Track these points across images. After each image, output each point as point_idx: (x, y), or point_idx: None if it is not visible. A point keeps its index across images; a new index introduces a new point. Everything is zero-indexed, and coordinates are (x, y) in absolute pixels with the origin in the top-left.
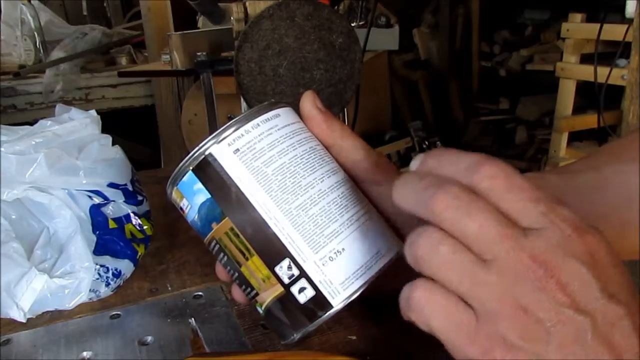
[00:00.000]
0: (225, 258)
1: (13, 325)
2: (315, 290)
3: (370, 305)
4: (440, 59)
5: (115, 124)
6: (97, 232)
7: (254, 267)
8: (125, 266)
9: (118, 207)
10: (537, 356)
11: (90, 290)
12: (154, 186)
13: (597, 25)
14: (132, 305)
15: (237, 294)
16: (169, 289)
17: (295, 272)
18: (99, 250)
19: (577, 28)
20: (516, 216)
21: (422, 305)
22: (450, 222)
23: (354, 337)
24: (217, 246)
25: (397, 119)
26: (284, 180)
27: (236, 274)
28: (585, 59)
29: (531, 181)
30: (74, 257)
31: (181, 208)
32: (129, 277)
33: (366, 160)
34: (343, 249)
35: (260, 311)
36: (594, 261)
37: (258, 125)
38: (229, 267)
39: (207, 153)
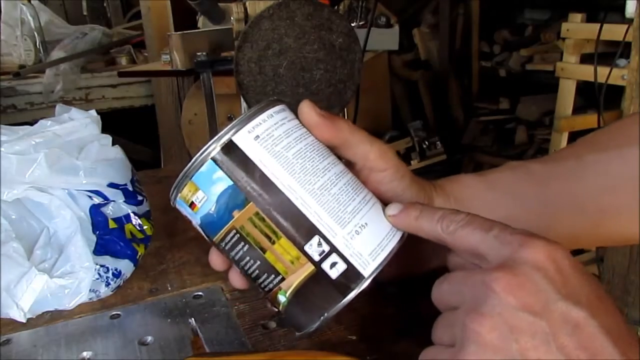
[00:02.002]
0: (246, 248)
1: (13, 325)
2: (347, 264)
3: (370, 305)
4: (440, 59)
5: (115, 124)
6: (97, 232)
7: (282, 250)
8: (125, 266)
9: (118, 207)
10: None
11: (90, 290)
12: (154, 186)
13: (597, 25)
14: (132, 305)
15: (236, 279)
16: (169, 289)
17: (326, 248)
18: (99, 250)
19: (577, 28)
20: (476, 245)
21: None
22: (433, 295)
23: (354, 337)
24: (236, 237)
25: (397, 119)
26: (304, 163)
27: (256, 264)
28: (585, 59)
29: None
30: (74, 257)
31: (192, 203)
32: (129, 277)
33: (373, 151)
34: (366, 224)
35: (284, 299)
36: (550, 264)
37: (272, 115)
38: (248, 258)
39: (227, 140)
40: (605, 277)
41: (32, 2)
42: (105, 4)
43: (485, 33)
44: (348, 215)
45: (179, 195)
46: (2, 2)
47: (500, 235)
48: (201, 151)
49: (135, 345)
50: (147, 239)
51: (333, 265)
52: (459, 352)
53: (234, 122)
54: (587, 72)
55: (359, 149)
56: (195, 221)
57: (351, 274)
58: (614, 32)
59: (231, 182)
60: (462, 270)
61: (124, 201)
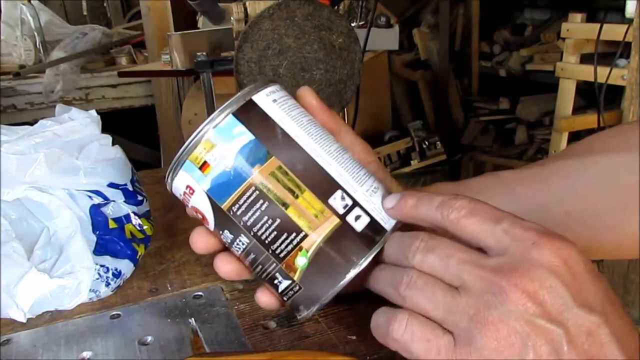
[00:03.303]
0: (264, 206)
1: (13, 325)
2: (370, 217)
3: (370, 305)
4: (440, 59)
5: (115, 124)
6: (97, 232)
7: (305, 204)
8: (125, 266)
9: (118, 207)
10: None
11: (90, 290)
12: (154, 186)
13: (597, 25)
14: (132, 305)
15: (226, 265)
16: (169, 289)
17: (349, 202)
18: (99, 250)
19: (577, 28)
20: (481, 237)
21: (401, 332)
22: (420, 262)
23: (354, 337)
24: (255, 194)
25: (397, 119)
26: (317, 130)
27: (275, 224)
28: (585, 59)
29: (494, 206)
30: (74, 257)
31: (204, 163)
32: (129, 277)
33: (359, 143)
34: (377, 188)
35: (304, 261)
36: (566, 268)
37: (280, 89)
38: (265, 219)
39: (247, 99)
40: (605, 276)
41: (32, 2)
42: (105, 4)
43: (485, 33)
44: (363, 177)
45: (189, 157)
46: (2, 2)
47: (511, 230)
48: (220, 109)
49: (135, 345)
50: (147, 239)
51: (357, 218)
52: (470, 352)
53: (249, 87)
54: (587, 72)
55: (347, 138)
56: (202, 187)
57: (375, 227)
58: (614, 32)
59: (253, 137)
60: (458, 250)
61: (124, 201)
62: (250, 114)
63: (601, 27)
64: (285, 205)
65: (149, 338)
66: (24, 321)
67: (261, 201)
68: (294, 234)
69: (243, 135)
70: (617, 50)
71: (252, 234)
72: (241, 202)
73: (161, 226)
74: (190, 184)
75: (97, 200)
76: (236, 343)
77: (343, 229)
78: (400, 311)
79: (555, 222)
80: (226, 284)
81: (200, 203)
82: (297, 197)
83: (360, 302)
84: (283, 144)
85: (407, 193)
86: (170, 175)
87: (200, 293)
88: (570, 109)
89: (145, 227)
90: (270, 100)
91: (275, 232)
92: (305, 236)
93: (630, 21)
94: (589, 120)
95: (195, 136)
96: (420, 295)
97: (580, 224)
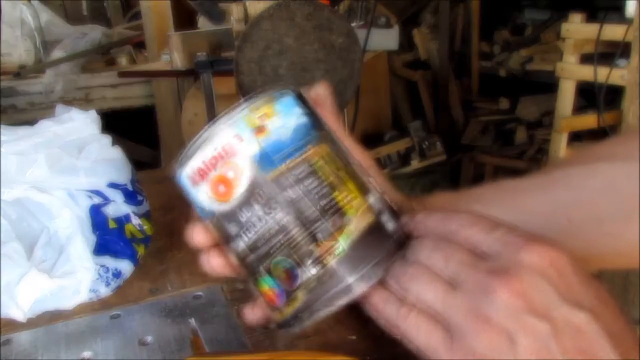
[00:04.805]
0: (315, 184)
1: (13, 325)
2: (394, 222)
3: None
4: (440, 59)
5: (115, 124)
6: (97, 232)
7: (349, 192)
8: (125, 266)
9: (118, 207)
10: None
11: (90, 290)
12: (154, 186)
13: (597, 25)
14: (132, 305)
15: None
16: (169, 289)
17: (380, 205)
18: (99, 250)
19: (577, 28)
20: (477, 244)
21: (411, 325)
22: (425, 258)
23: (354, 337)
24: (308, 170)
25: (397, 119)
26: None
27: (320, 203)
28: (585, 59)
29: (490, 217)
30: (74, 257)
31: (260, 127)
32: (129, 277)
33: (358, 148)
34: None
35: (344, 244)
36: (553, 270)
37: None
38: (313, 194)
39: (298, 92)
40: (605, 276)
41: (32, 2)
42: (105, 4)
43: (485, 33)
44: (376, 187)
45: (247, 116)
46: (2, 2)
47: (503, 237)
48: (280, 89)
49: (135, 345)
50: (147, 239)
51: (387, 220)
52: (465, 349)
53: (288, 86)
54: (587, 72)
55: (347, 142)
56: (249, 151)
57: (398, 231)
58: (614, 32)
59: (308, 120)
60: (459, 252)
61: (124, 201)
62: (304, 102)
63: (601, 27)
64: (333, 187)
65: (149, 338)
66: (24, 321)
67: (312, 178)
68: (337, 217)
69: (301, 116)
70: (617, 50)
71: (293, 209)
72: (292, 174)
73: (161, 226)
74: (233, 141)
75: (97, 200)
76: (236, 343)
77: (378, 225)
78: (412, 306)
79: (557, 230)
80: (226, 283)
81: (236, 168)
82: (343, 183)
83: (360, 303)
84: (329, 136)
85: (418, 211)
86: (212, 127)
87: (200, 293)
88: (570, 109)
89: (145, 227)
90: (311, 101)
91: (318, 212)
92: (349, 221)
93: (630, 21)
94: (589, 120)
95: (260, 101)
96: (422, 287)
97: (582, 232)
